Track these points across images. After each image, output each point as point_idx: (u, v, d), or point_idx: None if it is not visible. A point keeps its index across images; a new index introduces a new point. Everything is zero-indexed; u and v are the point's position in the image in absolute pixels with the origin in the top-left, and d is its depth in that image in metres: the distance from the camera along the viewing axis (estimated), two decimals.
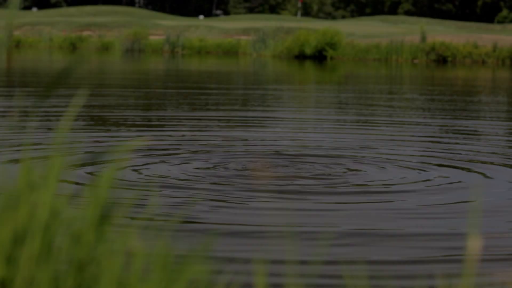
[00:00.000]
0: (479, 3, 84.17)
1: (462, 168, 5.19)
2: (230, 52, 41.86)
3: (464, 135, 7.28)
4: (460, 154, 5.87)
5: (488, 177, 4.88)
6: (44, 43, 48.42)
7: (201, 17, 72.06)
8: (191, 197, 3.96)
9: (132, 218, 3.11)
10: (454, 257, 2.99)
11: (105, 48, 45.08)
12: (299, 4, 67.51)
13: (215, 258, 2.82)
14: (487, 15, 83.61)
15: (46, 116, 7.92)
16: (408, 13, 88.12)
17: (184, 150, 5.75)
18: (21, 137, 6.04)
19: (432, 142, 6.75)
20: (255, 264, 2.71)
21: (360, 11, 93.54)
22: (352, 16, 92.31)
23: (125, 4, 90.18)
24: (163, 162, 5.12)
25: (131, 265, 1.33)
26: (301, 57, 35.78)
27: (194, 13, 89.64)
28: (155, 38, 47.07)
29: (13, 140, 5.88)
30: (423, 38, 36.42)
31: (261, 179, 4.57)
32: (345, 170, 5.02)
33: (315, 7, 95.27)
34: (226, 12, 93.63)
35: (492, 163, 5.45)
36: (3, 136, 6.13)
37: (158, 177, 4.52)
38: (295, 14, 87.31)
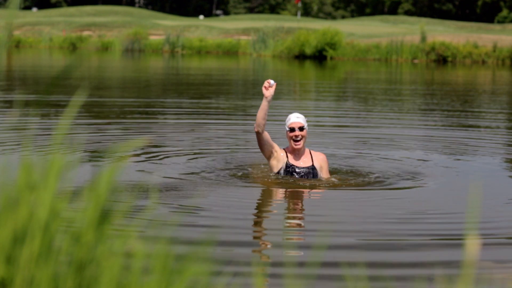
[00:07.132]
0: (479, 3, 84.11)
1: (459, 166, 5.19)
2: (230, 52, 41.83)
3: (463, 129, 7.27)
4: (457, 153, 5.87)
5: (488, 174, 4.88)
6: (44, 43, 48.39)
7: (201, 17, 72.02)
8: (191, 197, 3.96)
9: (132, 218, 3.11)
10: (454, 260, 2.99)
11: (105, 48, 45.05)
12: (299, 4, 67.40)
13: (215, 258, 2.82)
14: (487, 15, 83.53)
15: (46, 115, 7.91)
16: (408, 13, 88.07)
17: (184, 150, 5.74)
18: (21, 136, 6.04)
19: (432, 135, 6.74)
20: (255, 266, 2.71)
21: (360, 11, 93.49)
22: (352, 16, 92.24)
23: (125, 4, 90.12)
24: (163, 162, 5.12)
25: (131, 265, 1.33)
26: (301, 57, 35.75)
27: (194, 13, 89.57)
28: (155, 38, 47.04)
29: (13, 138, 5.87)
30: (423, 38, 36.38)
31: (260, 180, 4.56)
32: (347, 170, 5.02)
33: (315, 7, 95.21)
34: (226, 12, 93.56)
35: (493, 158, 5.44)
36: (3, 135, 6.13)
37: (158, 177, 4.51)
38: (295, 14, 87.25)
